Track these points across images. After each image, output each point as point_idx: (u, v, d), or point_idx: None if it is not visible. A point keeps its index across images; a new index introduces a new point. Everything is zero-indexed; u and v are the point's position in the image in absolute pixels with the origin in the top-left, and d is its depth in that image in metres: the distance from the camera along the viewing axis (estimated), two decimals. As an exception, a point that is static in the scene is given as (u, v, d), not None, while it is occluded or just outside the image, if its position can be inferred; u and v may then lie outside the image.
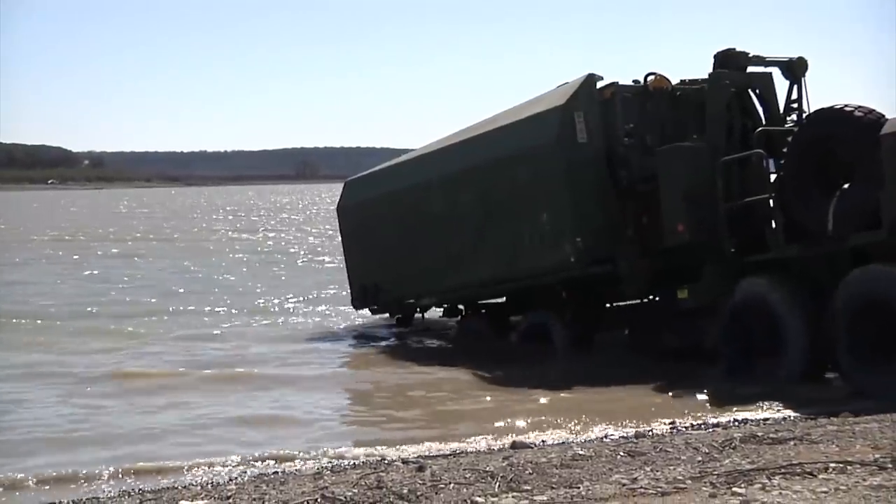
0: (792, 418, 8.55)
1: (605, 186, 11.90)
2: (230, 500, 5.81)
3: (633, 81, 12.39)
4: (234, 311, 18.16)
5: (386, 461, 7.32)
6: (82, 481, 7.43)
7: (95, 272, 25.71)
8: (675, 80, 12.36)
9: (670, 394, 10.12)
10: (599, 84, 12.10)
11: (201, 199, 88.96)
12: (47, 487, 7.35)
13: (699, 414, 9.23)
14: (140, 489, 6.90)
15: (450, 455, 7.52)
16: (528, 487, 5.74)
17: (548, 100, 12.53)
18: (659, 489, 5.48)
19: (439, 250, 13.50)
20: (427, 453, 7.77)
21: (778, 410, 9.14)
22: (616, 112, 11.94)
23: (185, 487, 6.79)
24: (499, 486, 5.82)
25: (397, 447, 8.17)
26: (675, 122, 12.13)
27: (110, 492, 6.92)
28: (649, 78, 12.30)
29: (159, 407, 10.25)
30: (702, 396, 9.94)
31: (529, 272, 12.34)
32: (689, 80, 12.44)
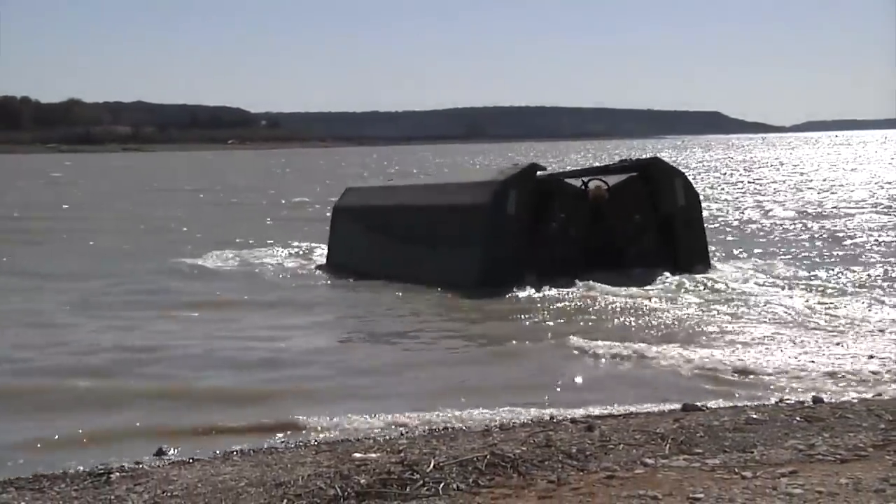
0: None
1: None
2: (402, 454, 5.95)
3: None
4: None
5: (554, 420, 7.32)
6: (254, 431, 7.70)
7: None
8: None
9: (852, 358, 9.71)
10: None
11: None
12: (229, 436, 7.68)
13: (881, 380, 8.84)
14: (315, 441, 7.14)
15: (619, 416, 7.45)
16: (700, 450, 5.67)
17: None
18: (838, 456, 5.31)
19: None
20: (596, 413, 7.74)
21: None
22: None
23: (357, 440, 6.98)
24: (669, 447, 5.77)
25: (566, 407, 8.15)
26: None
27: (289, 443, 7.17)
28: None
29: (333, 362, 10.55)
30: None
31: None
32: None
